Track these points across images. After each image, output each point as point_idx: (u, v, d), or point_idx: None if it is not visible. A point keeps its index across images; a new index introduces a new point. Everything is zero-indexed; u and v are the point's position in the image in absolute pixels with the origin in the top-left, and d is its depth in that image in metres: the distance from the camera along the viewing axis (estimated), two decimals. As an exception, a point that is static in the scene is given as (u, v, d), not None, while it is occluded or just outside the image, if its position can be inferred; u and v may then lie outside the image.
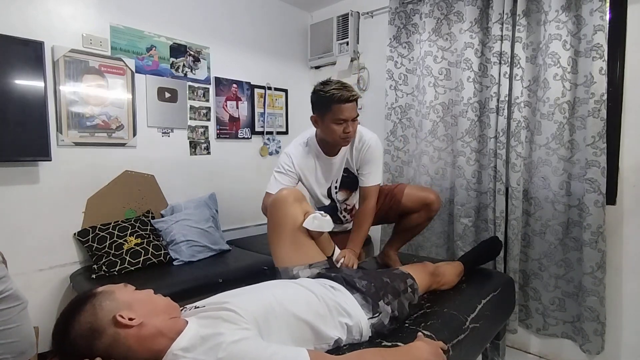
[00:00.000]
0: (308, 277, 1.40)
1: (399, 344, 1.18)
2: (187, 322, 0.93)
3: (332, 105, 1.58)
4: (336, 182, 1.85)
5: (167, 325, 0.89)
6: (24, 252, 2.03)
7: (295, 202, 1.49)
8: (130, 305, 0.88)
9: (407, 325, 1.33)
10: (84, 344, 0.82)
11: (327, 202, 1.90)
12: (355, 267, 1.62)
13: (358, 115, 1.65)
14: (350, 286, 1.29)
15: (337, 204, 1.91)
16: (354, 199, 1.95)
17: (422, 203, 1.83)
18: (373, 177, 1.77)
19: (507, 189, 2.20)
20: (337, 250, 1.65)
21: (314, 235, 1.50)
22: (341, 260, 1.61)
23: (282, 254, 1.46)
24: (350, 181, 1.85)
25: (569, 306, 2.10)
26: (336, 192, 1.87)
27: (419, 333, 1.22)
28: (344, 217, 1.99)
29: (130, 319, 0.85)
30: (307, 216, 1.48)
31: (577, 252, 2.03)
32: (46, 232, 2.09)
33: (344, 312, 1.17)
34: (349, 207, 1.97)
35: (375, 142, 1.78)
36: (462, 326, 1.40)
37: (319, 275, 1.42)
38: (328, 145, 1.76)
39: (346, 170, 1.83)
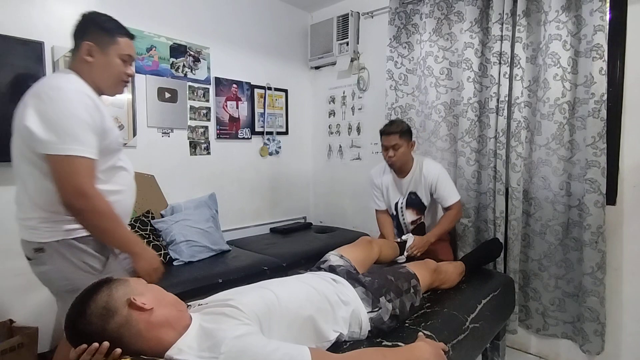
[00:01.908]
0: (333, 262, 1.44)
1: (399, 343, 1.18)
2: (191, 318, 0.95)
3: (381, 135, 2.14)
4: (403, 199, 2.21)
5: (175, 316, 0.92)
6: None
7: (370, 242, 1.80)
8: (143, 293, 0.91)
9: (407, 325, 1.34)
10: (98, 322, 0.84)
11: (393, 212, 2.28)
12: (415, 252, 2.01)
13: (401, 146, 2.07)
14: (353, 280, 1.31)
15: (400, 218, 2.25)
16: (421, 221, 2.26)
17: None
18: (447, 199, 2.12)
19: (507, 189, 2.20)
20: (410, 238, 2.07)
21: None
22: (409, 243, 2.03)
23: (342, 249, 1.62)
24: (416, 202, 2.20)
25: (569, 306, 2.10)
26: (402, 210, 2.23)
27: (420, 333, 1.22)
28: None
29: (143, 303, 0.87)
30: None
31: (577, 253, 2.03)
32: (46, 232, 2.08)
33: (344, 302, 1.19)
34: (409, 228, 2.26)
35: (433, 171, 2.13)
36: (462, 326, 1.41)
37: (323, 270, 1.43)
38: (393, 168, 2.20)
39: (414, 193, 2.20)
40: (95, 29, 1.30)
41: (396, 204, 2.23)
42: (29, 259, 1.23)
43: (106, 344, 0.82)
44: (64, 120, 1.11)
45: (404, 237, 2.11)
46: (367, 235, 2.97)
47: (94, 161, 1.17)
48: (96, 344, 0.82)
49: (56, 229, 1.19)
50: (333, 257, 1.50)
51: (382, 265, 1.83)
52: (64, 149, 1.10)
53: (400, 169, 2.17)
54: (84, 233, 1.21)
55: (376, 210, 2.36)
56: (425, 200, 2.17)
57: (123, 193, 1.31)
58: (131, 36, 1.38)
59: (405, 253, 2.03)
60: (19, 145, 1.19)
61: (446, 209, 2.16)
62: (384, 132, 2.10)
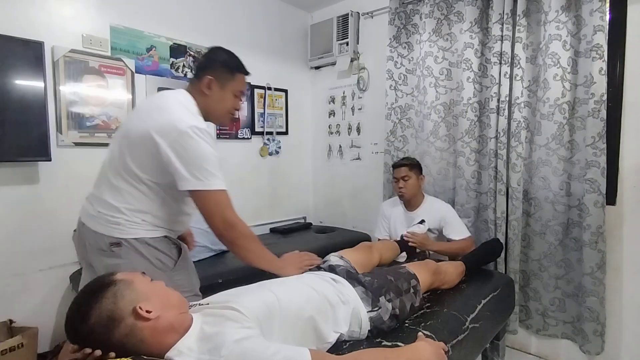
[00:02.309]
0: (334, 264, 1.45)
1: (398, 343, 1.18)
2: (192, 318, 0.94)
3: (392, 169, 2.32)
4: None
5: (178, 320, 0.91)
6: (24, 252, 2.03)
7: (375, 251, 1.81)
8: (148, 296, 0.89)
9: (407, 325, 1.33)
10: (101, 332, 0.83)
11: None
12: (411, 243, 2.05)
13: (410, 177, 2.21)
14: (353, 279, 1.31)
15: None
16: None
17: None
18: (456, 234, 2.18)
19: (507, 190, 2.20)
20: (416, 228, 2.14)
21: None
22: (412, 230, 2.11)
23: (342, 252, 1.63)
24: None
25: (569, 307, 2.10)
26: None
27: (419, 333, 1.22)
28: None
29: (148, 312, 0.85)
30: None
31: (577, 253, 2.03)
32: (46, 232, 2.08)
33: (344, 302, 1.19)
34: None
35: (441, 210, 2.22)
36: (462, 326, 1.41)
37: (323, 270, 1.43)
38: (403, 200, 2.31)
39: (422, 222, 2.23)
40: (218, 65, 1.42)
41: (402, 236, 2.19)
42: (102, 250, 1.29)
43: (98, 352, 0.81)
44: (202, 161, 1.24)
45: (410, 228, 2.15)
46: (367, 235, 2.98)
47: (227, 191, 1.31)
48: (88, 350, 0.81)
49: (138, 228, 1.29)
50: (333, 258, 1.51)
51: (383, 266, 1.83)
52: (209, 185, 1.25)
53: (409, 202, 2.28)
54: (158, 234, 1.33)
55: (379, 239, 2.42)
56: (431, 237, 2.21)
57: (191, 215, 1.46)
58: (247, 73, 1.49)
59: (403, 256, 2.05)
60: (128, 161, 1.28)
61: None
62: (395, 165, 2.29)
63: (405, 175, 2.21)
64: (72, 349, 0.84)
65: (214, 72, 1.40)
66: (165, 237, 1.36)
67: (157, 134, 1.23)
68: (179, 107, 1.32)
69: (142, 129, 1.27)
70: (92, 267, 1.37)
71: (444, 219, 2.19)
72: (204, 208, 1.28)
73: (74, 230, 1.45)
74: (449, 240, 2.20)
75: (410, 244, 2.06)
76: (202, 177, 1.24)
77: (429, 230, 2.19)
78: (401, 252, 2.05)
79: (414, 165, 2.26)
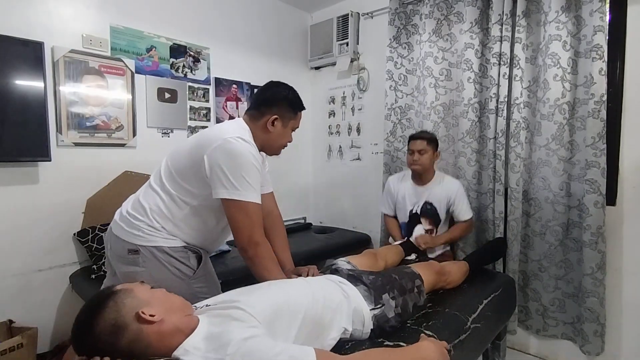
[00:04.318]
0: (338, 266, 1.46)
1: (401, 343, 1.18)
2: (198, 319, 0.95)
3: (409, 141, 2.23)
4: (418, 208, 2.23)
5: (184, 322, 0.91)
6: (24, 252, 2.02)
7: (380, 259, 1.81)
8: (150, 302, 0.90)
9: (408, 325, 1.34)
10: (107, 340, 0.83)
11: (406, 220, 2.29)
12: (424, 246, 2.08)
13: (427, 152, 2.14)
14: (355, 279, 1.32)
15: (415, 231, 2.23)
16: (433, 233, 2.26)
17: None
18: (463, 215, 2.18)
19: (506, 190, 2.20)
20: (418, 230, 2.15)
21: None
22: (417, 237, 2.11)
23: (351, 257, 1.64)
24: (431, 213, 2.21)
25: (569, 307, 2.11)
26: (417, 217, 2.24)
27: (422, 334, 1.22)
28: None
29: (151, 316, 0.86)
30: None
31: (577, 253, 2.03)
32: (46, 232, 2.08)
33: (348, 302, 1.20)
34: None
35: (452, 188, 2.17)
36: (464, 326, 1.41)
37: (328, 272, 1.44)
38: (414, 174, 2.25)
39: (430, 204, 2.21)
40: (285, 104, 1.44)
41: (411, 211, 2.24)
42: (120, 257, 1.31)
43: (107, 359, 0.82)
44: (242, 171, 1.26)
45: (414, 233, 2.15)
46: (367, 235, 2.98)
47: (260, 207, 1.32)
48: (97, 358, 0.82)
49: (157, 236, 1.31)
50: (340, 262, 1.52)
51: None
52: (244, 196, 1.26)
53: (420, 176, 2.22)
54: (176, 244, 1.34)
55: (385, 215, 2.43)
56: (441, 213, 2.19)
57: (224, 234, 1.49)
58: (304, 109, 1.52)
59: (413, 255, 2.07)
60: (172, 170, 1.34)
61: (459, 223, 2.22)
62: (413, 137, 2.20)
63: (422, 149, 2.14)
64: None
65: (280, 110, 1.42)
66: (184, 247, 1.36)
67: (204, 144, 1.27)
68: (232, 124, 1.37)
69: (194, 143, 1.32)
70: (116, 274, 1.38)
71: (453, 197, 2.16)
72: (234, 218, 1.28)
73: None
74: (454, 218, 2.21)
75: (422, 248, 2.08)
76: (240, 186, 1.24)
77: (436, 212, 2.18)
78: (406, 255, 2.05)
79: (432, 140, 2.19)
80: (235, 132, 1.29)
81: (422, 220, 2.22)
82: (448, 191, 2.17)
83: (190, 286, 1.34)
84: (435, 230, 2.21)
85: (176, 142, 2.64)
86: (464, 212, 2.16)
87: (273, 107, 1.41)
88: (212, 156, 1.24)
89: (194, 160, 1.28)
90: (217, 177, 1.24)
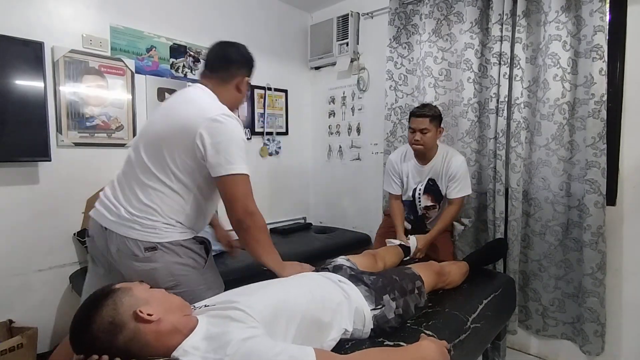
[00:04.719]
0: (339, 264, 1.47)
1: (401, 343, 1.18)
2: (197, 320, 0.94)
3: (410, 117, 2.09)
4: (421, 186, 2.19)
5: (182, 322, 0.91)
6: (24, 252, 2.03)
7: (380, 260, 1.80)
8: (148, 301, 0.90)
9: (408, 324, 1.33)
10: (105, 338, 0.83)
11: (410, 198, 2.25)
12: (422, 251, 2.09)
13: (428, 130, 2.01)
14: (356, 279, 1.32)
15: (417, 203, 2.23)
16: (435, 213, 2.25)
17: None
18: (456, 192, 2.09)
19: (506, 190, 2.20)
20: (413, 241, 2.10)
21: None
22: (412, 247, 2.08)
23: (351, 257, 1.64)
24: (433, 189, 2.17)
25: (569, 307, 2.10)
26: (419, 195, 2.21)
27: (422, 334, 1.22)
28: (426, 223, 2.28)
29: (149, 315, 0.86)
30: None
31: (577, 253, 2.03)
32: (46, 233, 2.08)
33: (349, 301, 1.20)
34: (428, 217, 2.27)
35: (456, 163, 2.08)
36: (464, 326, 1.41)
37: (327, 270, 1.43)
38: (417, 153, 2.14)
39: (432, 180, 2.16)
40: (251, 64, 1.51)
41: (414, 190, 2.20)
42: (135, 256, 1.28)
43: (105, 357, 0.82)
44: (233, 146, 1.28)
45: (409, 241, 2.11)
46: (367, 235, 2.98)
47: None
48: (95, 357, 0.82)
49: (173, 231, 1.31)
50: (340, 260, 1.53)
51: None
52: (238, 169, 1.28)
53: (423, 155, 2.13)
54: (189, 236, 1.36)
55: (390, 195, 2.30)
56: (443, 190, 2.14)
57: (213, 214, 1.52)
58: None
59: (409, 257, 2.06)
60: (166, 159, 1.29)
61: (449, 203, 2.15)
62: (414, 114, 2.04)
63: (425, 127, 2.00)
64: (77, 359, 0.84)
65: (248, 70, 1.48)
66: (194, 237, 1.38)
67: (190, 128, 1.27)
68: (205, 98, 1.37)
69: (175, 126, 1.30)
70: (114, 273, 1.35)
71: (453, 174, 2.07)
72: (229, 192, 1.29)
73: (87, 236, 1.41)
74: (447, 195, 2.13)
75: (418, 257, 2.07)
76: (234, 161, 1.27)
77: (439, 188, 2.14)
78: (405, 256, 2.04)
79: (436, 117, 2.04)
80: (217, 109, 1.31)
81: (424, 197, 2.18)
82: (453, 166, 2.07)
83: (204, 276, 1.35)
84: (437, 207, 2.19)
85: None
86: (457, 191, 2.08)
87: (242, 68, 1.45)
88: (205, 139, 1.25)
89: (186, 146, 1.27)
90: (214, 158, 1.26)
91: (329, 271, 1.41)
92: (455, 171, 2.07)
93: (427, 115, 2.01)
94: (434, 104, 2.21)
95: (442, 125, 2.11)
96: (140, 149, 1.35)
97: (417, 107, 2.12)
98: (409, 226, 2.30)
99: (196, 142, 1.25)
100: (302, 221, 3.47)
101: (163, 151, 1.30)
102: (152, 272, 1.26)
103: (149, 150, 1.33)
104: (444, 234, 2.24)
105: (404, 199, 2.28)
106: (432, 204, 2.19)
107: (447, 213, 2.15)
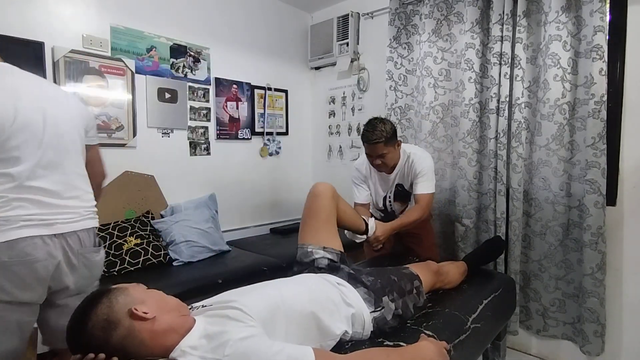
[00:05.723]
0: (320, 257, 1.44)
1: (401, 343, 1.18)
2: (195, 320, 0.95)
3: (363, 142, 1.96)
4: (390, 193, 2.16)
5: (178, 322, 0.91)
6: (24, 253, 2.02)
7: (332, 198, 1.69)
8: (144, 301, 0.90)
9: (408, 325, 1.33)
10: (100, 335, 0.84)
11: (381, 207, 2.21)
12: (380, 240, 1.90)
13: (386, 153, 1.91)
14: (355, 281, 1.31)
15: (389, 210, 2.21)
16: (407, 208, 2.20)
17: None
18: (421, 187, 2.02)
19: (507, 190, 2.20)
20: (372, 224, 1.88)
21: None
22: (371, 232, 1.87)
23: (306, 234, 1.56)
24: (402, 194, 2.15)
25: (569, 307, 2.10)
26: (390, 203, 2.19)
27: (422, 334, 1.22)
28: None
29: (145, 313, 0.87)
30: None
31: (577, 253, 2.03)
32: (46, 233, 2.07)
33: (347, 304, 1.19)
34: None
35: (418, 160, 2.02)
36: (464, 326, 1.40)
37: (324, 271, 1.42)
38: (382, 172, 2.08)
39: (400, 185, 2.12)
40: None
41: (384, 198, 2.18)
42: (94, 247, 1.32)
43: (102, 355, 0.82)
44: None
45: (369, 224, 1.89)
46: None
47: None
48: (92, 355, 0.82)
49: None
50: (316, 252, 1.45)
51: (385, 266, 1.82)
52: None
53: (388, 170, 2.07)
54: None
55: (356, 204, 2.15)
56: (409, 188, 2.11)
57: None
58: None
59: (369, 236, 1.86)
60: (76, 137, 1.34)
61: (416, 201, 2.06)
62: (367, 141, 1.90)
63: (382, 152, 1.90)
64: (74, 359, 0.84)
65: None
66: None
67: (80, 113, 1.40)
68: (51, 85, 1.49)
69: (71, 114, 1.35)
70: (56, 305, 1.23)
71: (416, 173, 2.01)
72: (99, 159, 1.50)
73: (14, 264, 1.10)
74: (413, 193, 2.06)
75: (379, 247, 1.94)
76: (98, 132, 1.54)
77: (406, 191, 2.09)
78: (364, 233, 1.85)
79: (390, 138, 1.89)
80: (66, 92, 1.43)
81: (396, 204, 2.17)
82: (417, 168, 2.01)
83: None
84: (407, 206, 2.17)
85: (176, 142, 2.64)
86: (420, 187, 1.99)
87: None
88: (85, 118, 1.40)
89: (79, 130, 1.35)
90: (94, 130, 1.46)
91: (325, 271, 1.39)
92: (418, 170, 2.01)
93: (380, 141, 1.87)
94: (382, 117, 2.00)
95: (398, 139, 1.99)
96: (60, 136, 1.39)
97: (367, 130, 1.91)
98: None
99: (82, 125, 1.40)
100: (302, 221, 3.46)
101: (75, 137, 1.39)
102: (101, 261, 1.35)
103: (69, 136, 1.41)
104: (426, 225, 2.22)
105: (376, 208, 2.23)
106: (403, 207, 2.19)
107: (411, 211, 2.05)
